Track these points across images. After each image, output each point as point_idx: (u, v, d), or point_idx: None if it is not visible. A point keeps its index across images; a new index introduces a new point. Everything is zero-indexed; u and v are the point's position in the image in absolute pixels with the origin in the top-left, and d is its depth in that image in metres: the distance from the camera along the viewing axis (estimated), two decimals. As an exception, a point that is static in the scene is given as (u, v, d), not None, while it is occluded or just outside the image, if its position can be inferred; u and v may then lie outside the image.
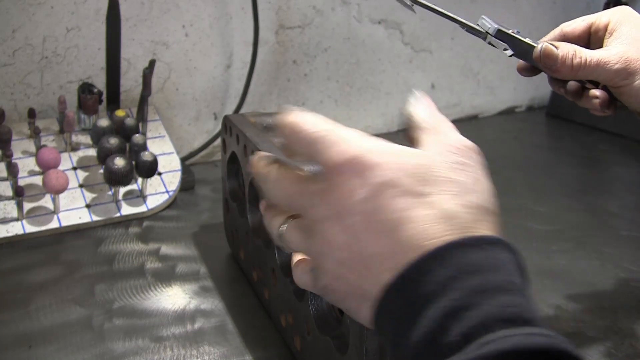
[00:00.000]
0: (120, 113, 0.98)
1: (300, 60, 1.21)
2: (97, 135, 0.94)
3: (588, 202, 1.05)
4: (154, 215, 0.93)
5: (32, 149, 0.94)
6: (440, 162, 0.38)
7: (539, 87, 1.49)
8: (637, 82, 0.61)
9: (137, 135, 0.94)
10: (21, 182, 0.88)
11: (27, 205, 0.87)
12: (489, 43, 0.66)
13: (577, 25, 0.67)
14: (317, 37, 1.21)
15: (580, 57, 0.62)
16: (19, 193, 0.84)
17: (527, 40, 0.66)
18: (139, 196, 0.94)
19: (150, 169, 0.90)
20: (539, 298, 0.78)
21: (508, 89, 1.47)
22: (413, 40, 1.30)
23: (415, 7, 0.63)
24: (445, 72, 1.37)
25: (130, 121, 0.96)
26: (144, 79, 0.96)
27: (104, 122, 0.94)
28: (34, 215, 0.87)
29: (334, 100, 1.27)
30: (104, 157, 0.90)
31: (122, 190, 0.93)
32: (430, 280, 0.34)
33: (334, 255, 0.38)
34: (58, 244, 0.85)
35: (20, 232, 0.85)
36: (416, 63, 1.32)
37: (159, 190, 0.95)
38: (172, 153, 1.00)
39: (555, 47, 0.63)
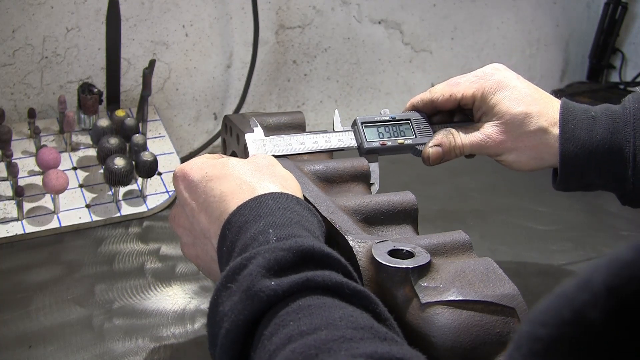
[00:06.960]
0: (120, 113, 0.98)
1: (300, 60, 1.21)
2: (97, 135, 0.94)
3: (588, 202, 1.05)
4: (154, 215, 0.93)
5: (32, 149, 0.94)
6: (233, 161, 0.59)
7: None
8: (508, 158, 0.72)
9: (137, 135, 0.94)
10: (21, 182, 0.88)
11: (27, 205, 0.87)
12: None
13: (446, 99, 0.74)
14: (317, 37, 1.21)
15: (461, 147, 0.72)
16: (19, 193, 0.84)
17: (407, 142, 0.73)
18: (139, 196, 0.94)
19: (150, 169, 0.90)
20: (539, 298, 0.78)
21: (508, 89, 1.47)
22: (413, 40, 1.30)
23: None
24: (445, 72, 1.37)
25: (130, 121, 0.96)
26: (144, 79, 0.96)
27: (104, 122, 0.94)
28: (34, 215, 0.87)
29: (334, 100, 1.27)
30: (104, 157, 0.90)
31: (122, 190, 0.93)
32: (232, 229, 0.53)
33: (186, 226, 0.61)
34: (58, 244, 0.85)
35: (20, 232, 0.85)
36: (416, 63, 1.32)
37: (159, 190, 0.95)
38: (172, 153, 1.00)
39: (438, 145, 0.72)
